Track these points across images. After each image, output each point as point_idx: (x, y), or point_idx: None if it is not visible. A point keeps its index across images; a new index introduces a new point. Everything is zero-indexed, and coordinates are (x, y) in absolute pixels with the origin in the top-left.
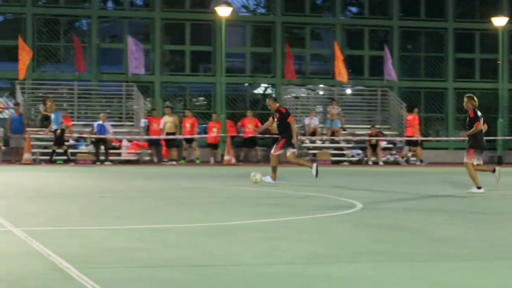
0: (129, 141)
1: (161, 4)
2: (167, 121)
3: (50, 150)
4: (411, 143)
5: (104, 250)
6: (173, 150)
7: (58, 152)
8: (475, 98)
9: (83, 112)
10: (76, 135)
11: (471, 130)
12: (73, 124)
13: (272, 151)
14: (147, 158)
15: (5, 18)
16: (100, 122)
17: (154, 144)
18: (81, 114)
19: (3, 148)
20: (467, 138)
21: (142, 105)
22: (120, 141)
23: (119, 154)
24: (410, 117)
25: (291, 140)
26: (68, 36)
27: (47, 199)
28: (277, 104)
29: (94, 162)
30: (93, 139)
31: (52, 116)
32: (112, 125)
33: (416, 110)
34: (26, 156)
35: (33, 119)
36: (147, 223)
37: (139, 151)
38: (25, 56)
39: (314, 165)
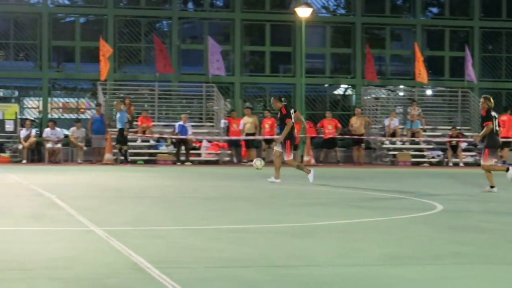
0: (209, 141)
1: (241, 5)
2: (246, 122)
3: (132, 151)
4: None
5: (184, 250)
6: (253, 150)
7: (123, 150)
8: (492, 100)
9: (164, 113)
10: (156, 135)
11: (483, 131)
12: (154, 125)
13: (285, 158)
14: (227, 158)
15: (87, 19)
16: (181, 122)
17: (233, 144)
18: (161, 114)
19: (85, 148)
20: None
21: (222, 106)
22: (200, 141)
23: (199, 155)
24: (504, 117)
25: (294, 141)
26: (148, 37)
27: (128, 199)
28: (280, 104)
29: (174, 163)
30: (173, 140)
31: (118, 115)
32: (192, 126)
33: (509, 111)
34: (107, 156)
35: (114, 120)
36: (227, 223)
37: (218, 152)
38: (106, 57)
39: (312, 170)
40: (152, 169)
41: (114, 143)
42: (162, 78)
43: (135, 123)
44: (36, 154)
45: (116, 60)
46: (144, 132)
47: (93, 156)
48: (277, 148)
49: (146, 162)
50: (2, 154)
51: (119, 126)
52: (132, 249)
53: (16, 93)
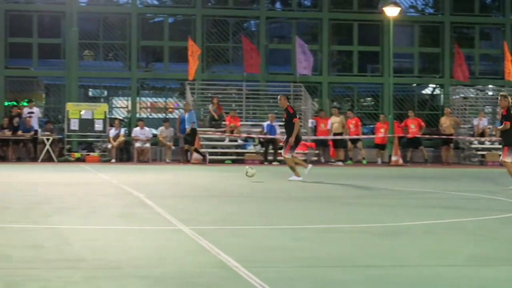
0: None
1: (329, 4)
2: (334, 122)
3: (219, 150)
4: None
5: (272, 250)
6: (340, 150)
7: (190, 150)
8: (509, 97)
9: (251, 113)
10: (244, 135)
11: (500, 127)
12: (242, 124)
13: (283, 153)
14: (314, 158)
15: (175, 19)
16: (269, 122)
17: (321, 144)
18: (249, 114)
19: (173, 147)
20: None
21: (310, 106)
22: None
23: None
24: None
25: (299, 141)
26: (236, 37)
27: (215, 198)
28: (288, 103)
29: (262, 162)
30: (261, 139)
31: (186, 116)
32: (280, 125)
33: None
34: (195, 155)
35: (202, 119)
36: (314, 223)
37: (306, 152)
38: (194, 57)
39: (309, 165)
40: (239, 169)
41: (201, 142)
42: (249, 78)
43: (223, 122)
44: (125, 153)
45: (204, 60)
46: (232, 132)
47: (181, 156)
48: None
49: (234, 161)
50: (92, 154)
51: (187, 126)
52: (220, 248)
53: (105, 93)
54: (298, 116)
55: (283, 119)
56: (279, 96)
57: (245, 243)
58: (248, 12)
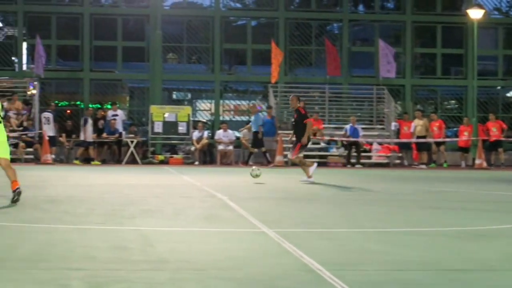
0: (380, 144)
1: (412, 7)
2: (417, 125)
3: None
4: None
5: (355, 252)
6: (423, 153)
7: (255, 152)
8: None
9: (334, 115)
10: (327, 138)
11: None
12: (324, 127)
13: (289, 155)
14: (397, 161)
15: (258, 22)
16: (352, 124)
17: (404, 147)
18: (331, 117)
19: (256, 150)
20: None
21: (393, 109)
22: (371, 144)
23: (369, 157)
24: None
25: (307, 143)
26: (319, 40)
27: (298, 200)
28: (299, 104)
29: (344, 165)
30: (344, 142)
31: (253, 118)
32: (363, 128)
33: None
34: (278, 158)
35: (285, 122)
36: (398, 226)
37: (389, 154)
38: (277, 59)
39: (315, 164)
40: (322, 171)
41: (284, 145)
42: (332, 81)
43: None
44: (208, 156)
45: (287, 62)
46: (314, 135)
47: (263, 158)
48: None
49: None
50: (175, 156)
51: (253, 129)
52: (303, 251)
53: (189, 95)
54: (309, 117)
55: (293, 120)
56: (291, 97)
57: (329, 246)
58: (331, 14)
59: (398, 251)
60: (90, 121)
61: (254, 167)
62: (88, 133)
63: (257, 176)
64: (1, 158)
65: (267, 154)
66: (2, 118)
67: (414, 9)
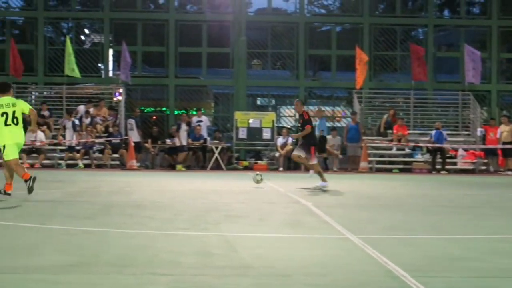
0: (465, 150)
1: (498, 12)
2: (503, 130)
3: (387, 159)
4: None
5: (440, 259)
6: (510, 159)
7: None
8: None
9: (419, 121)
10: (412, 144)
11: None
12: (409, 133)
13: (309, 162)
14: (483, 167)
15: (343, 28)
16: (437, 130)
17: (490, 153)
18: (417, 123)
19: (340, 156)
20: None
21: (479, 114)
22: (456, 150)
23: (454, 163)
24: None
25: (315, 146)
26: (404, 45)
27: (383, 207)
28: (303, 109)
29: (429, 171)
30: (429, 148)
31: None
32: (448, 134)
33: None
34: (363, 164)
35: (370, 128)
36: (484, 233)
37: (474, 161)
38: (362, 65)
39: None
40: (407, 178)
41: (369, 151)
42: (417, 86)
43: (389, 131)
44: (293, 162)
45: (372, 68)
46: (399, 141)
47: (348, 164)
48: (296, 152)
49: (401, 170)
50: (260, 162)
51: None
52: (387, 257)
53: (273, 101)
54: (312, 124)
55: (299, 125)
56: (295, 102)
57: (413, 252)
58: (416, 20)
59: (484, 258)
60: (184, 127)
61: (257, 172)
62: (182, 138)
63: (258, 182)
64: (13, 159)
65: (327, 161)
66: (26, 123)
67: (500, 14)
